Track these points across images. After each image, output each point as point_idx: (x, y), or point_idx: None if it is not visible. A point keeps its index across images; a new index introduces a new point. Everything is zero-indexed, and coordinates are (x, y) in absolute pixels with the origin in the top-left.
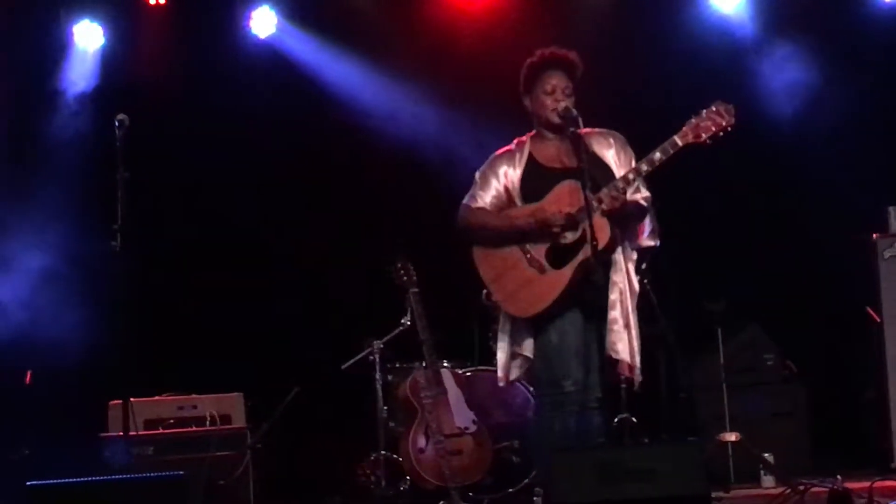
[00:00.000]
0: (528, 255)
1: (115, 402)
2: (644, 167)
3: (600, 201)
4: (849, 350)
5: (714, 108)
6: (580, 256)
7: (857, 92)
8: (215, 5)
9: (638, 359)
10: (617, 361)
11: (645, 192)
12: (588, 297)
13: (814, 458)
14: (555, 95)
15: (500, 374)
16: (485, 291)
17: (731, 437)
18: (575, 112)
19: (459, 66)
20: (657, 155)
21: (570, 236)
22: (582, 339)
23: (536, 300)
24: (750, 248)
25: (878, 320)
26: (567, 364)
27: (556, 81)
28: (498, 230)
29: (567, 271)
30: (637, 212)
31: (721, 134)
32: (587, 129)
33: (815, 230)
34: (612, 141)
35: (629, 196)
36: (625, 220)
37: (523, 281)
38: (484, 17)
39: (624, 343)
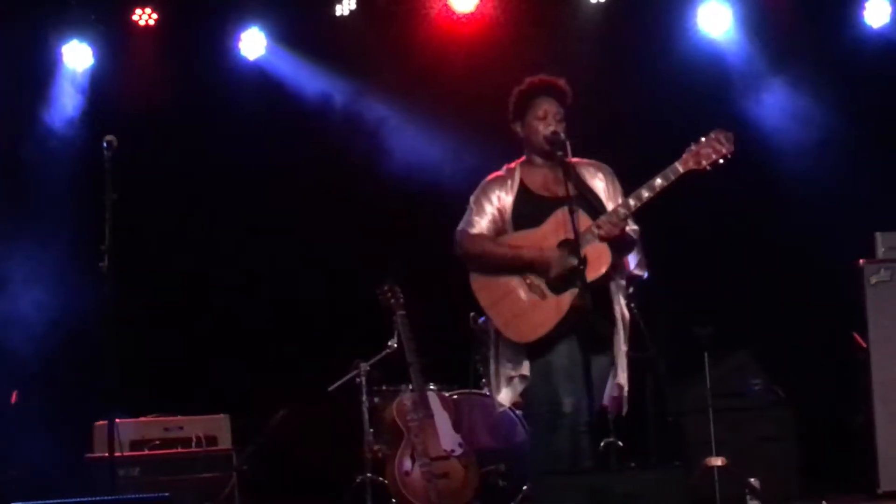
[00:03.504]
0: (529, 281)
1: (101, 422)
2: (645, 193)
3: (599, 227)
4: (836, 375)
5: (714, 136)
6: (580, 282)
7: (845, 117)
8: (204, 27)
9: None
10: (620, 389)
11: (634, 225)
12: (581, 322)
13: (800, 483)
14: (546, 121)
15: (494, 399)
16: (472, 315)
17: (718, 461)
18: (563, 136)
19: (449, 88)
20: (658, 181)
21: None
22: (574, 363)
23: (537, 325)
24: (738, 274)
25: (865, 346)
26: (564, 386)
27: (547, 107)
28: (500, 259)
29: (567, 297)
30: (630, 242)
31: (721, 161)
32: (576, 159)
33: (802, 256)
34: (600, 174)
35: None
36: (620, 249)
37: (523, 307)
38: (474, 40)
39: (625, 372)
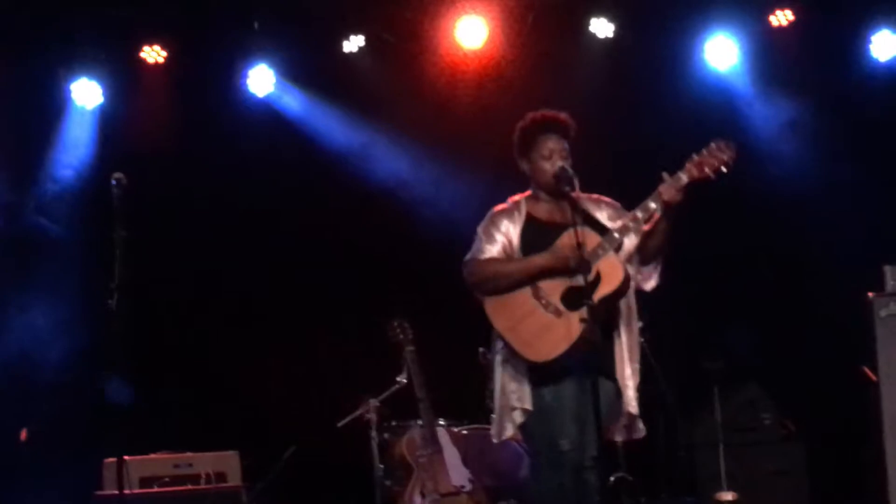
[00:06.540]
0: (543, 301)
1: (110, 459)
2: (652, 204)
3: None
4: (846, 409)
5: (714, 145)
6: (595, 297)
7: (854, 150)
8: (213, 64)
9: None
10: (630, 417)
11: None
12: (591, 343)
13: None
14: (552, 160)
15: (492, 430)
16: (482, 350)
17: (729, 496)
18: (571, 172)
19: (457, 125)
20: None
21: (582, 279)
22: (577, 398)
23: (556, 344)
24: (748, 308)
25: (875, 379)
26: (563, 423)
27: (552, 145)
28: (515, 274)
29: (583, 312)
30: (672, 228)
31: (724, 169)
32: (579, 194)
33: (812, 289)
34: (604, 203)
35: (629, 241)
36: (667, 230)
37: (541, 326)
38: (482, 75)
39: (634, 399)
